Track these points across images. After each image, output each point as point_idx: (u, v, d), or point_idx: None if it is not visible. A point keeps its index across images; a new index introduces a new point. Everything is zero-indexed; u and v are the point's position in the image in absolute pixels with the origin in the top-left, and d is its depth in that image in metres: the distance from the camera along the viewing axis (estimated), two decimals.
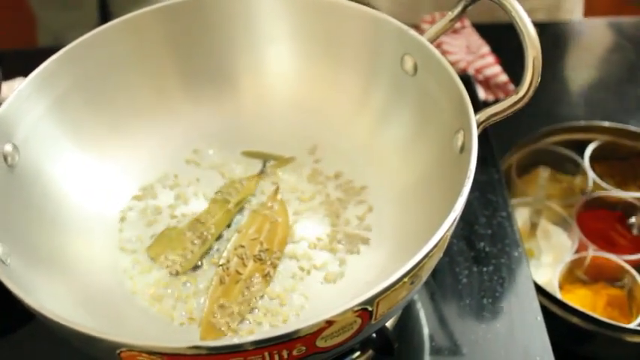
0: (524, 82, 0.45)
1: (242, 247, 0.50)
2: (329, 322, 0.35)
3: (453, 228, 0.41)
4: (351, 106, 0.57)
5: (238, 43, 0.57)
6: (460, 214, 0.41)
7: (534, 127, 0.78)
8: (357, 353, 0.50)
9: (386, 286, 0.36)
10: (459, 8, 0.51)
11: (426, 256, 0.37)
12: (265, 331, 0.45)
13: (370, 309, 0.37)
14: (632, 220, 0.74)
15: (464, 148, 0.45)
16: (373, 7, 0.54)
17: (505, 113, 0.46)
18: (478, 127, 0.46)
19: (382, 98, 0.55)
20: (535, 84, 0.45)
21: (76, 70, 0.52)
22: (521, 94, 0.45)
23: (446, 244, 0.42)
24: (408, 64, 0.52)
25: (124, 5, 0.52)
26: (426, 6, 0.94)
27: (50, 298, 0.43)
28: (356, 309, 0.36)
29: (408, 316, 0.55)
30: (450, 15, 0.51)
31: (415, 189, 0.52)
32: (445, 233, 0.39)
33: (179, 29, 0.56)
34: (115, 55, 0.54)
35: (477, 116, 0.46)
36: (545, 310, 0.63)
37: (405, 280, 0.37)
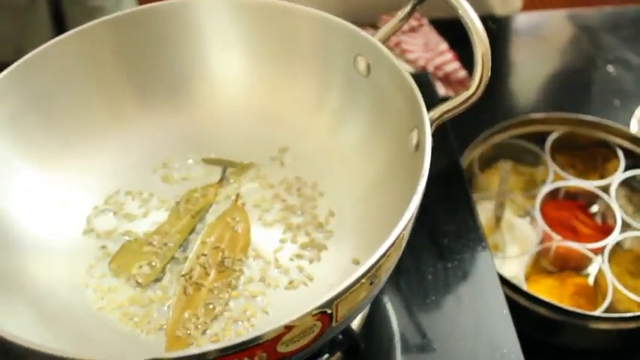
0: (474, 78, 0.46)
1: (204, 256, 0.50)
2: (288, 327, 0.35)
3: (409, 227, 0.41)
4: (307, 109, 0.57)
5: (191, 51, 0.57)
6: (416, 212, 0.41)
7: (495, 121, 0.78)
8: (326, 356, 0.50)
9: (343, 289, 0.36)
10: (408, 7, 0.51)
11: (383, 256, 0.38)
12: (225, 340, 0.45)
13: (329, 312, 0.37)
14: (594, 208, 0.75)
15: (419, 146, 0.46)
16: None
17: (458, 109, 0.47)
18: (432, 124, 0.46)
19: (338, 99, 0.56)
20: (486, 79, 0.46)
21: (26, 87, 0.51)
22: (472, 89, 0.46)
23: (404, 243, 0.42)
24: (361, 64, 0.52)
25: (79, 21, 0.51)
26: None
27: (8, 318, 0.43)
28: (314, 312, 0.36)
29: (377, 316, 0.56)
30: (400, 15, 0.52)
31: (375, 189, 0.52)
32: (401, 232, 0.39)
33: (130, 40, 0.55)
34: (65, 70, 0.53)
35: (430, 114, 0.46)
36: (512, 302, 0.64)
37: (363, 281, 0.37)
